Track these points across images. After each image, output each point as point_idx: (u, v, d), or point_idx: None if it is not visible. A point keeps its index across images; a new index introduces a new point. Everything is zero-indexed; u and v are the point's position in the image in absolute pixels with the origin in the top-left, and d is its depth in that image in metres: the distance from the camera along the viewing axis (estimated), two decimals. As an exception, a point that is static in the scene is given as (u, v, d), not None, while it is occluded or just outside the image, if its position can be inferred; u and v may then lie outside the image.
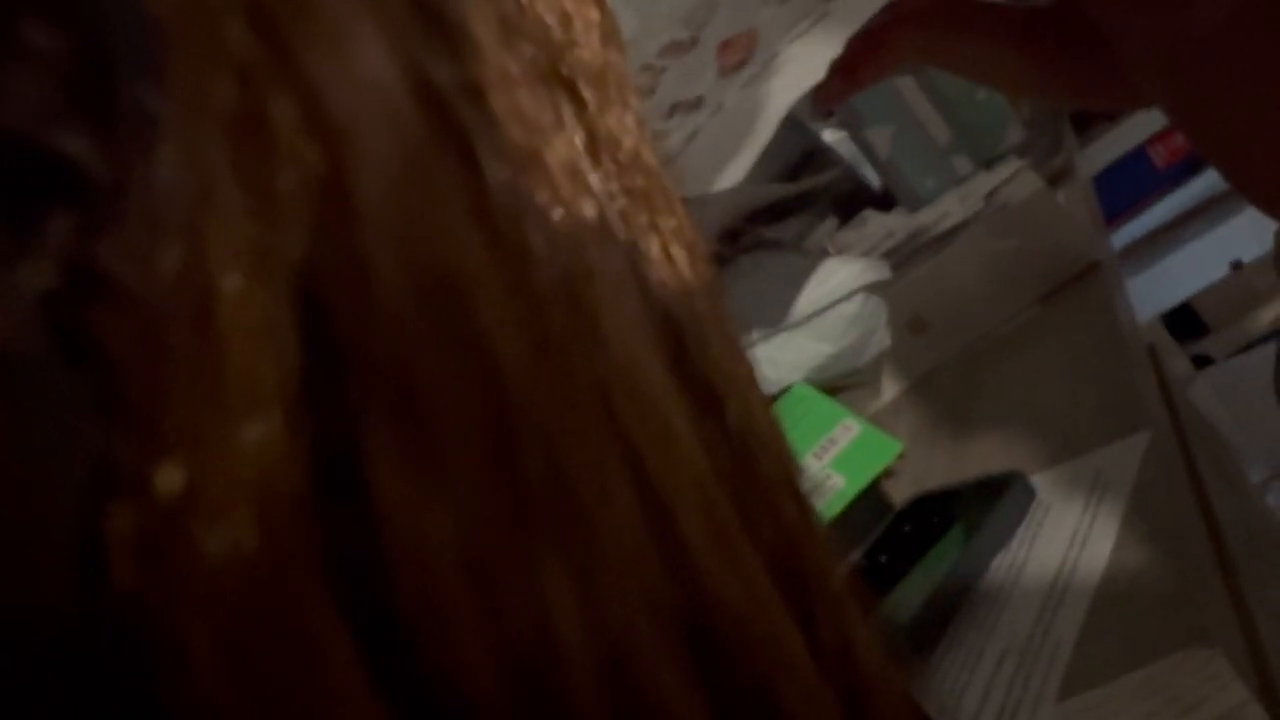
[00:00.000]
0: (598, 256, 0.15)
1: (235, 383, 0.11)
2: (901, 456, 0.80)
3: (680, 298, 0.17)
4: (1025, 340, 0.90)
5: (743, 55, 0.54)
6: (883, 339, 1.01)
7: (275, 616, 0.11)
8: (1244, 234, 2.08)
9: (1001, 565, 0.58)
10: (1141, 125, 2.08)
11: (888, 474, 0.79)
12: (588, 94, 0.17)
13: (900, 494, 0.76)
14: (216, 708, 0.10)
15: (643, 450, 0.14)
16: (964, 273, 0.97)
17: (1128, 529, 0.54)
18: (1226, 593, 0.50)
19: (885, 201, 1.38)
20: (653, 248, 0.17)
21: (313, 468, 0.11)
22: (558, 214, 0.14)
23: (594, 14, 0.18)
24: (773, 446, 0.18)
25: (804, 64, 0.51)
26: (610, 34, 0.18)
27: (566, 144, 0.15)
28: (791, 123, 1.28)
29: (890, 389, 1.02)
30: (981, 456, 0.75)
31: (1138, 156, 2.20)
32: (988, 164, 1.29)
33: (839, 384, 1.01)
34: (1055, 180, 1.14)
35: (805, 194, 1.35)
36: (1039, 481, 0.63)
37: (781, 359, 0.99)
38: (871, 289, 1.01)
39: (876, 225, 1.29)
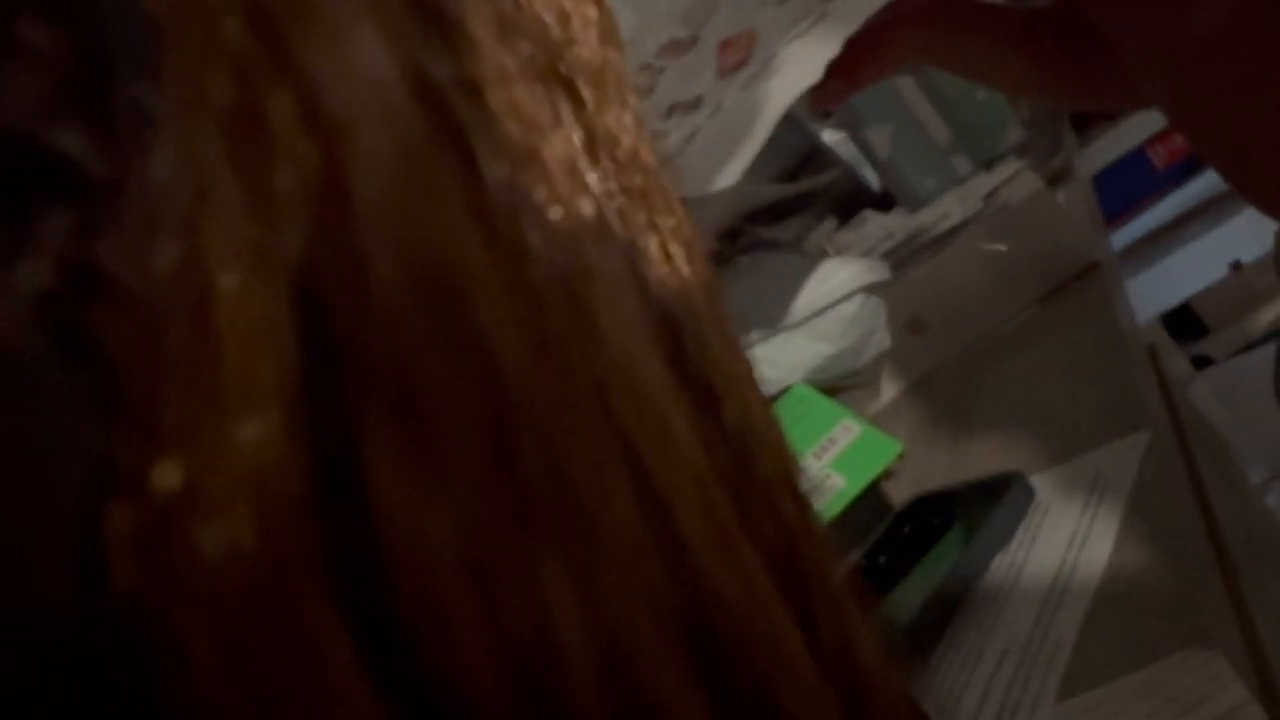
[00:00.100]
0: (596, 255, 0.15)
1: (233, 381, 0.11)
2: (901, 457, 0.80)
3: (679, 296, 0.17)
4: (1025, 340, 0.90)
5: (742, 55, 0.54)
6: (882, 339, 1.01)
7: (275, 616, 0.11)
8: (1244, 234, 2.08)
9: (1001, 566, 0.58)
10: (1141, 125, 2.08)
11: (887, 474, 0.79)
12: (586, 92, 0.17)
13: (900, 494, 0.76)
14: (216, 707, 0.10)
15: (641, 449, 0.14)
16: (963, 273, 0.97)
17: (1127, 529, 0.54)
18: (1226, 593, 0.50)
19: (885, 202, 1.39)
20: (651, 246, 0.17)
21: (312, 467, 0.11)
22: (556, 212, 0.14)
23: (592, 11, 0.18)
24: (772, 445, 0.18)
25: (803, 64, 0.51)
26: (608, 32, 0.18)
27: (564, 142, 0.15)
28: (791, 123, 1.29)
29: (890, 389, 1.02)
30: (981, 457, 0.75)
31: (1137, 157, 2.20)
32: (987, 164, 1.29)
33: (838, 384, 1.01)
34: (1055, 180, 1.14)
35: (804, 194, 1.35)
36: (1039, 482, 0.63)
37: (781, 359, 0.99)
38: (871, 289, 1.01)
39: (876, 226, 1.30)
